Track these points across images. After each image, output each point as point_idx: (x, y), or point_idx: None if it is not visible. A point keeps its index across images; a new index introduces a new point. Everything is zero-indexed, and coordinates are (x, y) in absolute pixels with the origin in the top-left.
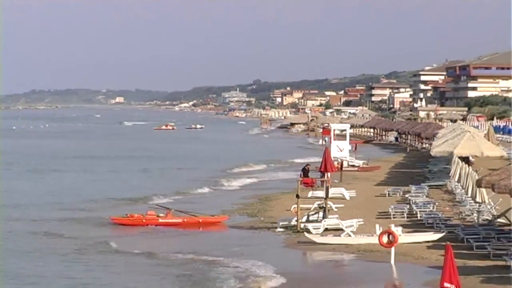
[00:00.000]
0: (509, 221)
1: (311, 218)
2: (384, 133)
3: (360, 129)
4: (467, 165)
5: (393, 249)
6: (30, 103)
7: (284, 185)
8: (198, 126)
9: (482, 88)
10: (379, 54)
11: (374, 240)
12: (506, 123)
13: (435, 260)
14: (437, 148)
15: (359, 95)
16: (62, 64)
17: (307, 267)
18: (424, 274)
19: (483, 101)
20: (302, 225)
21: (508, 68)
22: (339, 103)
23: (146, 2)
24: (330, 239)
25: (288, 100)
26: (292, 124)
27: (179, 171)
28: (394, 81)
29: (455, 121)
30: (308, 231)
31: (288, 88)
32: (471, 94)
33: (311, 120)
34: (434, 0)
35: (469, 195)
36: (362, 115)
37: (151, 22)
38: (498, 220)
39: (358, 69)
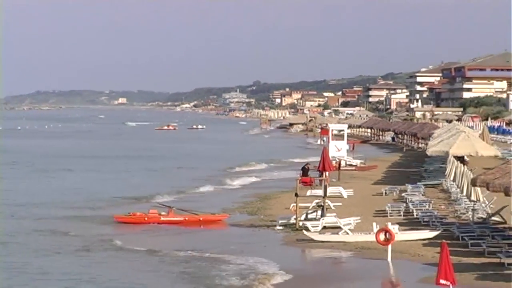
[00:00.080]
0: (503, 219)
1: (309, 216)
2: (381, 133)
3: (358, 129)
4: (462, 165)
5: (390, 246)
6: (34, 104)
7: (283, 184)
8: (199, 126)
9: (477, 89)
10: (376, 56)
11: (371, 237)
12: (500, 123)
13: (431, 257)
14: (433, 147)
15: (356, 96)
16: (66, 65)
17: (306, 264)
18: (420, 271)
19: (477, 102)
20: (300, 223)
21: (502, 70)
22: (337, 103)
23: (148, 6)
24: (328, 236)
25: (287, 101)
26: (291, 125)
27: (181, 171)
28: (391, 82)
29: (450, 121)
30: (307, 229)
31: (287, 89)
32: (466, 95)
33: (310, 121)
34: (430, 4)
35: (464, 193)
36: (360, 116)
37: (153, 25)
38: (493, 218)
39: (355, 71)
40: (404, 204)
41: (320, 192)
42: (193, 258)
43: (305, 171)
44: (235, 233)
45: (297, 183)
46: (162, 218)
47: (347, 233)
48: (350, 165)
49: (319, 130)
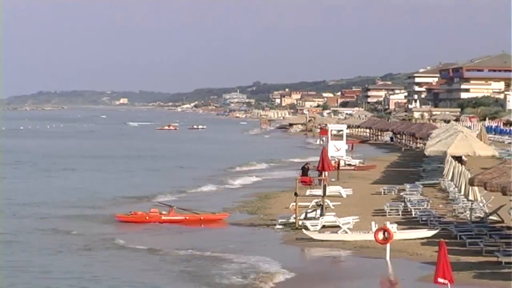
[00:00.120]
0: (501, 218)
1: (309, 215)
2: (379, 133)
3: (357, 130)
4: (460, 164)
5: (388, 245)
6: (37, 104)
7: (283, 183)
8: (200, 126)
9: (475, 90)
10: (375, 57)
11: (370, 236)
12: (498, 123)
13: (429, 256)
14: (431, 147)
15: (355, 97)
16: (68, 66)
17: (305, 263)
18: (418, 270)
19: (475, 102)
20: (300, 222)
21: (500, 71)
22: (336, 104)
23: (150, 8)
24: (327, 235)
25: (286, 101)
26: (291, 125)
27: (182, 170)
28: (390, 82)
29: (448, 121)
30: (306, 228)
31: (287, 90)
32: (464, 95)
33: (309, 121)
34: (428, 6)
35: (462, 193)
36: (358, 116)
37: (154, 26)
38: (490, 217)
39: (354, 71)
40: (403, 204)
41: (319, 191)
42: (194, 257)
43: (305, 170)
44: (235, 232)
45: (296, 183)
46: (163, 217)
47: (346, 232)
48: (349, 165)
49: (319, 130)
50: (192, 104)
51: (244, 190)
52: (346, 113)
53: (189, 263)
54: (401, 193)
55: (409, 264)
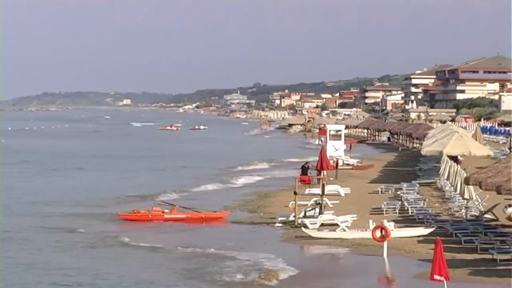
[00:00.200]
0: (496, 216)
1: (308, 214)
2: (377, 133)
3: (355, 130)
4: (455, 164)
5: (385, 243)
6: (42, 105)
7: (283, 182)
8: (202, 127)
9: (470, 91)
10: (372, 59)
11: (367, 234)
12: (493, 124)
13: (425, 254)
14: (427, 147)
15: (353, 98)
16: (72, 68)
17: (304, 260)
18: (415, 267)
19: (471, 103)
20: (299, 221)
21: (495, 72)
22: (334, 105)
23: (152, 10)
24: (326, 233)
25: (286, 102)
26: (290, 125)
27: (184, 170)
28: (387, 84)
29: (444, 122)
30: (305, 226)
31: (286, 91)
32: (459, 96)
33: (308, 121)
34: (425, 9)
35: (458, 192)
36: (356, 116)
37: (156, 29)
38: (485, 216)
39: (352, 73)
40: (400, 202)
41: (318, 190)
42: (196, 255)
43: (304, 170)
44: (236, 230)
45: (296, 182)
46: (165, 216)
47: (344, 230)
48: (347, 164)
49: (317, 131)
50: (194, 105)
51: (245, 189)
52: (344, 114)
53: (192, 261)
54: (398, 192)
55: (406, 261)
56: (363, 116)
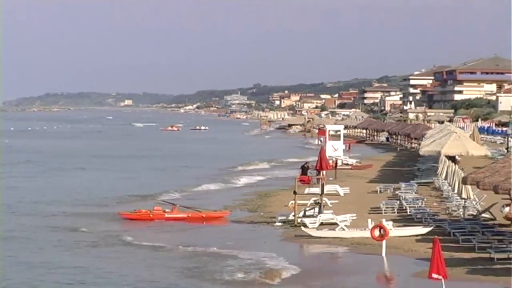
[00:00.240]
0: (493, 216)
1: (307, 213)
2: (375, 133)
3: (353, 130)
4: (453, 164)
5: (384, 242)
6: (44, 106)
7: (283, 182)
8: (202, 127)
9: (468, 92)
10: (371, 60)
11: (366, 233)
12: (490, 124)
13: (423, 253)
14: (426, 147)
15: (352, 98)
16: (74, 68)
17: (304, 259)
18: (413, 266)
19: (468, 104)
20: (299, 220)
21: (492, 73)
22: (333, 105)
23: (153, 11)
24: (325, 232)
25: (286, 102)
26: (290, 125)
27: (186, 169)
28: (385, 85)
29: (442, 122)
30: (305, 225)
31: (286, 92)
32: (457, 97)
33: (308, 122)
34: (423, 10)
35: (456, 191)
36: (355, 117)
37: (158, 30)
38: (483, 215)
39: (351, 74)
40: (398, 202)
41: (317, 190)
42: (197, 253)
43: (304, 169)
44: (236, 229)
45: (295, 182)
46: (166, 215)
47: (343, 229)
48: (346, 164)
49: (317, 131)
50: (195, 106)
51: (245, 189)
52: (344, 114)
53: (193, 260)
54: (397, 192)
55: (404, 260)
56: (362, 117)
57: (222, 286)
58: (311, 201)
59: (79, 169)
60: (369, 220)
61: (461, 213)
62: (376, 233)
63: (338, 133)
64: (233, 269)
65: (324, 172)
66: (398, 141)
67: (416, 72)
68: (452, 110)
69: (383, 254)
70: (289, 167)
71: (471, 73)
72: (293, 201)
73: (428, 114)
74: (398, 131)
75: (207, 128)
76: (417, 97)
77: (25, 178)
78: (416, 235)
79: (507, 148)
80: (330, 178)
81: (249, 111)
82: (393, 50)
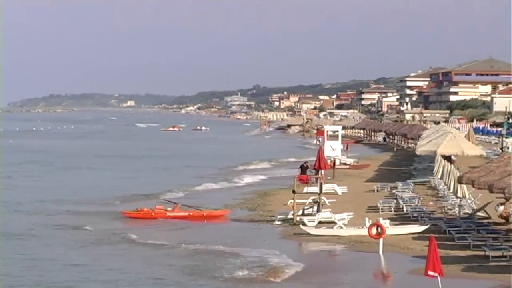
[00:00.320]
0: (488, 214)
1: (306, 211)
2: (373, 134)
3: (351, 130)
4: (449, 163)
5: (381, 240)
6: (48, 107)
7: (282, 181)
8: (203, 127)
9: (463, 93)
10: (368, 62)
11: (364, 232)
12: (485, 124)
13: (420, 250)
14: (422, 147)
15: (350, 99)
16: (78, 70)
17: (303, 257)
18: (410, 263)
19: (463, 105)
20: (298, 218)
21: (487, 75)
22: (332, 106)
23: (155, 14)
24: (323, 231)
25: (285, 103)
26: (289, 126)
27: (187, 169)
28: (383, 86)
29: (438, 123)
30: (304, 224)
31: (285, 93)
32: (452, 98)
33: (306, 122)
34: (419, 13)
35: (451, 190)
36: (353, 118)
37: (159, 32)
38: (478, 213)
39: (349, 75)
40: (395, 201)
41: (316, 189)
42: (199, 251)
43: (303, 169)
44: (236, 228)
45: (294, 181)
46: (168, 214)
47: (341, 228)
48: (344, 163)
49: (315, 131)
50: (196, 106)
51: (245, 188)
52: (341, 115)
53: (195, 257)
54: (393, 191)
55: (401, 257)
56: (360, 117)
57: (224, 284)
58: (310, 200)
59: (83, 169)
60: (367, 219)
61: (457, 211)
62: (374, 231)
63: (336, 133)
64: (234, 267)
65: (323, 171)
66: (395, 141)
67: (413, 74)
68: (448, 111)
69: (380, 251)
70: (288, 166)
71: (467, 74)
72: (292, 200)
73: (424, 114)
74: (395, 131)
75: (208, 128)
76: (414, 98)
77: (30, 177)
78: (413, 233)
79: (501, 148)
80: (329, 178)
81: (249, 112)
82: (390, 52)
